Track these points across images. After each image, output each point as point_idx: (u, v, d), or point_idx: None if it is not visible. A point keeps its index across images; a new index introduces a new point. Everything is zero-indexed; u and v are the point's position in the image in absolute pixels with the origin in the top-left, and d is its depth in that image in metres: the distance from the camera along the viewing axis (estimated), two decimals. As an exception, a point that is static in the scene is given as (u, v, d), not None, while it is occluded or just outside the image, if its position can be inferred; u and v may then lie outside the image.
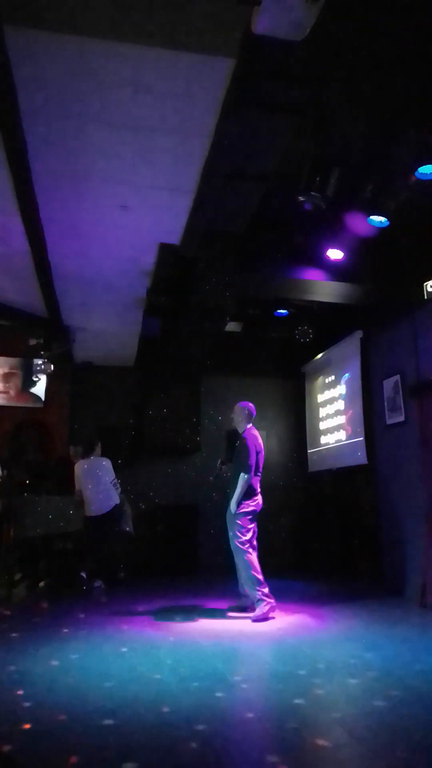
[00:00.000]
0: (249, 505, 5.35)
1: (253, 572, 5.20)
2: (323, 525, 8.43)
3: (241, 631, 4.67)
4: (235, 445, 5.67)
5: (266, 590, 5.18)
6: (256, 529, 5.42)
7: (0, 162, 3.92)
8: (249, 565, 5.24)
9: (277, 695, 3.10)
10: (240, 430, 5.64)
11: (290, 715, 2.80)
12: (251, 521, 5.38)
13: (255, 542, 5.39)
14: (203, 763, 2.33)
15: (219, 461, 5.95)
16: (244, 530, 5.32)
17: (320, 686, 3.26)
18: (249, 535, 5.33)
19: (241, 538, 5.31)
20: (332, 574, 7.70)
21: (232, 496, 5.41)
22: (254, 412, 5.73)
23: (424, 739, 2.55)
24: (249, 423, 5.65)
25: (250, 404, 5.76)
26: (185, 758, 2.35)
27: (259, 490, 5.45)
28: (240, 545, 5.30)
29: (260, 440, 5.55)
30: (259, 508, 5.43)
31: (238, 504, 5.33)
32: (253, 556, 5.30)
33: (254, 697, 3.04)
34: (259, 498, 5.43)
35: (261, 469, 5.47)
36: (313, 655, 3.90)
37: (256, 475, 5.40)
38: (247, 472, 5.32)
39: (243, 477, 5.32)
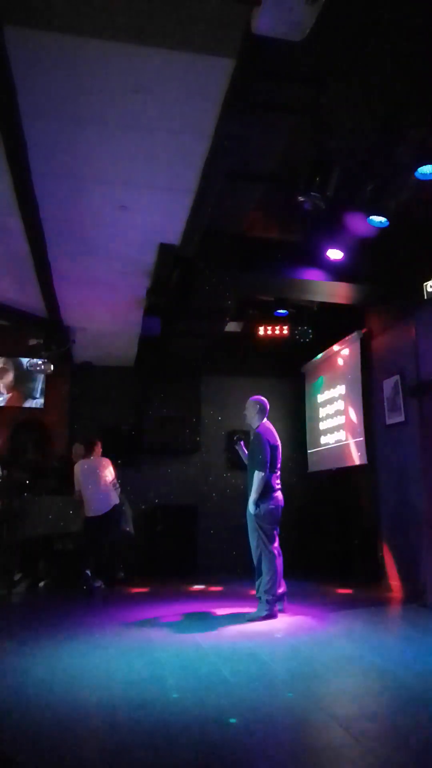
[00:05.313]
0: (268, 506, 5.08)
1: (275, 579, 5.00)
2: (323, 525, 8.42)
3: (241, 631, 4.66)
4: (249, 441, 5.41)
5: (273, 599, 5.02)
6: (278, 530, 5.17)
7: (0, 162, 3.92)
8: (275, 572, 5.02)
9: (277, 696, 3.10)
10: (253, 426, 5.38)
11: (290, 716, 2.80)
12: (273, 522, 5.12)
13: (278, 544, 5.14)
14: (201, 765, 2.33)
15: (236, 437, 5.63)
16: (268, 534, 5.08)
17: (320, 686, 3.26)
18: (273, 539, 5.10)
19: (267, 543, 5.06)
20: (332, 574, 7.69)
21: (249, 496, 5.16)
22: (267, 407, 5.46)
23: (425, 740, 2.55)
24: (263, 418, 5.38)
25: (263, 398, 5.48)
26: (182, 760, 2.35)
27: (278, 487, 5.19)
28: (268, 552, 5.05)
29: (275, 434, 5.31)
30: (279, 507, 5.17)
31: (257, 504, 5.07)
32: (278, 562, 5.08)
33: (254, 698, 3.04)
34: (278, 495, 5.16)
35: (279, 465, 5.24)
36: (313, 656, 3.90)
37: (273, 471, 5.15)
38: (263, 469, 5.04)
39: (258, 475, 5.04)
